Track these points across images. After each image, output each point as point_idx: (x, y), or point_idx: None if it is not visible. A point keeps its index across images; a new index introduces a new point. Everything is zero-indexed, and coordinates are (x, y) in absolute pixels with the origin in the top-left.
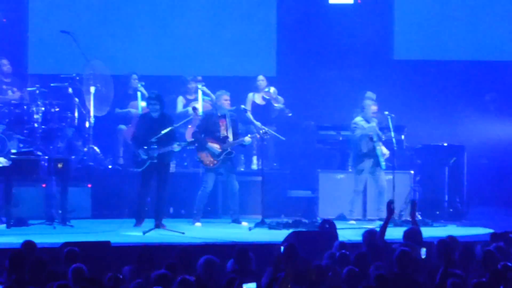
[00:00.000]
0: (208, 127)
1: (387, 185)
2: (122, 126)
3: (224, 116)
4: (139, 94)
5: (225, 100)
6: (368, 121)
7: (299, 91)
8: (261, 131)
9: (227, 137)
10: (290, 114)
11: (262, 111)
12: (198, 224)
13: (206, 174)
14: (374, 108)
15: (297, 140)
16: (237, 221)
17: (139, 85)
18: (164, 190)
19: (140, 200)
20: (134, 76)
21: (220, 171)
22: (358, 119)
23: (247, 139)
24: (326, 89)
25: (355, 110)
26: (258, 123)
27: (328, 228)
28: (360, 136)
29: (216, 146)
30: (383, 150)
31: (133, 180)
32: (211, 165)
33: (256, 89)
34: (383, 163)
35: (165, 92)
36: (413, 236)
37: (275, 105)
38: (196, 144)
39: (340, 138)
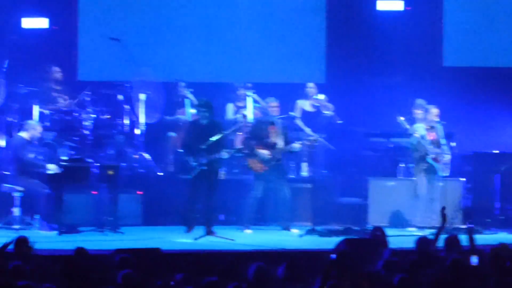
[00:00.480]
0: (258, 133)
1: (438, 192)
2: (172, 133)
3: (273, 123)
4: (187, 101)
5: (273, 106)
6: (430, 127)
7: (349, 98)
8: (311, 138)
9: (276, 143)
10: (339, 121)
11: (312, 118)
12: (248, 231)
13: (255, 181)
14: (435, 111)
15: (347, 147)
16: (287, 228)
17: (187, 92)
18: (213, 197)
19: (190, 207)
20: (182, 83)
21: (269, 177)
22: (419, 125)
23: (296, 146)
24: (376, 95)
25: (405, 117)
26: (308, 129)
27: (379, 236)
28: (418, 142)
29: (265, 152)
30: (445, 157)
31: (184, 187)
32: (260, 171)
33: (305, 96)
34: (440, 170)
35: (214, 99)
36: (452, 243)
37: (325, 112)
38: (246, 151)
39: (391, 145)
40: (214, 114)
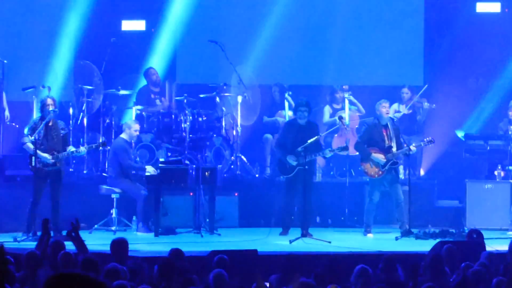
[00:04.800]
0: (372, 137)
1: None
2: (268, 135)
3: (386, 126)
4: (286, 103)
5: (384, 108)
6: None
7: (447, 100)
8: (426, 139)
9: (391, 146)
10: (433, 106)
11: (408, 121)
12: (370, 235)
13: (372, 186)
14: None
15: (444, 150)
16: (407, 232)
17: (286, 95)
18: (310, 199)
19: (286, 208)
20: (275, 87)
21: (384, 181)
22: None
23: (413, 148)
24: (474, 98)
25: (503, 120)
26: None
27: (476, 238)
28: None
29: (380, 157)
30: None
31: (280, 189)
32: (376, 176)
33: (400, 101)
34: None
35: (311, 101)
36: None
37: (425, 104)
38: (360, 155)
39: (488, 148)
40: (311, 115)
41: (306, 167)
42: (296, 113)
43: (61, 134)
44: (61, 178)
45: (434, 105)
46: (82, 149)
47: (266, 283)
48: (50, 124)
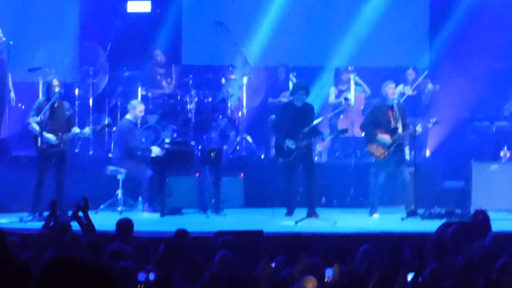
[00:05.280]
0: (378, 118)
1: None
2: (274, 117)
3: (392, 107)
4: (290, 84)
5: (390, 89)
6: None
7: (452, 82)
8: (432, 120)
9: (397, 127)
10: (437, 87)
11: (413, 102)
12: (375, 215)
13: (377, 167)
14: None
15: (450, 131)
16: (412, 213)
17: (291, 76)
18: (313, 179)
19: (290, 190)
20: (281, 68)
21: (390, 162)
22: None
23: (419, 129)
24: (479, 80)
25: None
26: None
27: (482, 219)
28: None
29: (386, 137)
30: None
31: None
32: (382, 157)
33: (405, 82)
34: None
35: (317, 82)
36: None
37: (428, 86)
38: (366, 136)
39: (494, 129)
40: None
41: (304, 151)
42: (294, 96)
43: (66, 115)
44: (65, 159)
45: (437, 86)
46: (87, 130)
47: (272, 263)
48: (56, 105)
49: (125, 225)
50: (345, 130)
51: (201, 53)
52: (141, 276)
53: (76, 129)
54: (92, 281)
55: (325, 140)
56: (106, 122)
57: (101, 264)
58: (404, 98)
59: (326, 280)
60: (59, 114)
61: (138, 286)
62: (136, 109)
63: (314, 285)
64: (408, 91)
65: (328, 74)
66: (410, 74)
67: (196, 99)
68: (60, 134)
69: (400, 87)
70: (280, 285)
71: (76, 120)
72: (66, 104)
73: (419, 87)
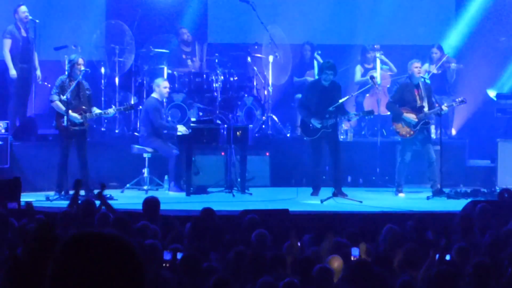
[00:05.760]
0: (403, 97)
1: None
2: (299, 95)
3: (418, 86)
4: (315, 62)
5: (416, 68)
6: None
7: (478, 60)
8: (458, 99)
9: (423, 106)
10: (461, 66)
11: (439, 81)
12: (401, 194)
13: (403, 145)
14: None
15: (476, 109)
16: (438, 192)
17: (315, 54)
18: (339, 158)
19: (316, 169)
20: (307, 46)
21: (416, 141)
22: None
23: (445, 108)
24: (506, 58)
25: None
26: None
27: (507, 198)
28: None
29: (412, 116)
30: None
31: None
32: (408, 135)
33: (431, 60)
34: None
35: (342, 61)
36: None
37: (452, 65)
38: (392, 115)
39: None
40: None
41: (330, 130)
42: (322, 75)
43: (87, 94)
44: (86, 137)
45: (461, 65)
46: (111, 111)
47: (298, 242)
48: (80, 84)
49: (151, 204)
50: (371, 112)
51: (227, 31)
52: (166, 255)
53: (96, 109)
54: (114, 255)
55: (351, 120)
56: (132, 102)
57: (124, 238)
58: (429, 76)
59: (352, 259)
60: (81, 92)
61: (164, 265)
62: (160, 86)
63: (340, 264)
64: (433, 69)
65: (354, 53)
66: (435, 52)
67: (222, 78)
68: (82, 113)
69: (426, 65)
70: (306, 263)
71: (103, 99)
72: (86, 84)
73: (443, 66)
